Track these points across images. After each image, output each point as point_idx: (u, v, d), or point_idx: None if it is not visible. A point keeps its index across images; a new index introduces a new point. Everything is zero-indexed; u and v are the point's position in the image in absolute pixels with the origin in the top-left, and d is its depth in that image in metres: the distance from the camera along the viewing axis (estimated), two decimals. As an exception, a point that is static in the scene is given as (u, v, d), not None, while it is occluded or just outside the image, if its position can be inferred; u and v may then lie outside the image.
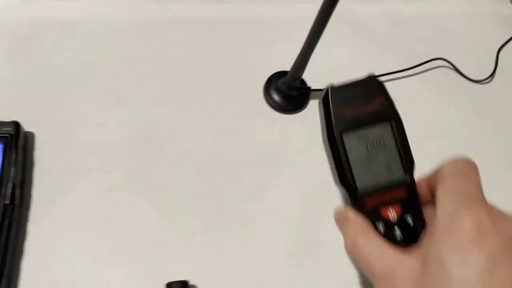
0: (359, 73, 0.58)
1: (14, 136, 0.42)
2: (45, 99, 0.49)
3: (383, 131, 0.27)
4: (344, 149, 0.27)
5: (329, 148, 0.28)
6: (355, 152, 0.27)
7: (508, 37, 0.65)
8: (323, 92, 0.29)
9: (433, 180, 0.26)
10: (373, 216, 0.26)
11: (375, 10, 0.63)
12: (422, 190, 0.27)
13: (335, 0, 0.37)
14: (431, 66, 0.61)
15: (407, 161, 0.26)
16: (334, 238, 0.46)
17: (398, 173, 0.26)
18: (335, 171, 0.28)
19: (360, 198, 0.26)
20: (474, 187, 0.24)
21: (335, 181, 0.28)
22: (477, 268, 0.20)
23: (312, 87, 0.54)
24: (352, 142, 0.27)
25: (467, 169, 0.25)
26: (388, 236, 0.25)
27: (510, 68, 0.63)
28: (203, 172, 0.48)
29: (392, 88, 0.58)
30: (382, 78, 0.58)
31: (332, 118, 0.27)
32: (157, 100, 0.51)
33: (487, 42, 0.65)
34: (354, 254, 0.25)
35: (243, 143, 0.50)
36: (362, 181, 0.26)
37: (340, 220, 0.27)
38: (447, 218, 0.22)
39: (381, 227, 0.25)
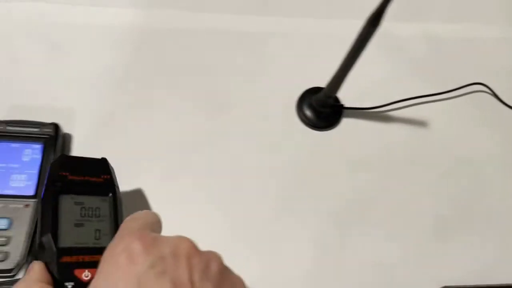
0: (392, 94, 0.58)
1: (53, 137, 0.44)
2: (83, 101, 0.50)
3: (101, 203, 0.31)
4: (57, 207, 0.29)
5: (41, 204, 0.30)
6: (67, 212, 0.29)
7: (554, 65, 0.63)
8: (56, 158, 0.33)
9: None
10: (66, 274, 0.27)
11: (412, 30, 0.61)
12: None
13: (374, 25, 0.36)
14: (469, 91, 0.59)
15: None
16: (359, 259, 0.46)
17: (104, 242, 0.29)
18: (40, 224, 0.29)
19: (58, 255, 0.27)
20: (136, 225, 0.25)
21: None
22: None
23: (345, 105, 0.54)
24: (67, 203, 0.30)
25: (142, 216, 0.27)
26: None
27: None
28: (229, 184, 0.48)
29: (426, 112, 0.58)
30: (415, 101, 0.57)
31: (55, 176, 0.30)
32: (190, 108, 0.52)
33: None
34: None
35: (272, 156, 0.50)
36: (65, 240, 0.28)
37: (28, 270, 0.28)
38: (105, 253, 0.24)
39: (70, 286, 0.27)
